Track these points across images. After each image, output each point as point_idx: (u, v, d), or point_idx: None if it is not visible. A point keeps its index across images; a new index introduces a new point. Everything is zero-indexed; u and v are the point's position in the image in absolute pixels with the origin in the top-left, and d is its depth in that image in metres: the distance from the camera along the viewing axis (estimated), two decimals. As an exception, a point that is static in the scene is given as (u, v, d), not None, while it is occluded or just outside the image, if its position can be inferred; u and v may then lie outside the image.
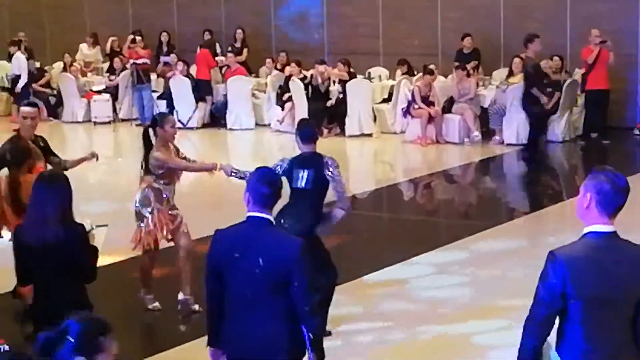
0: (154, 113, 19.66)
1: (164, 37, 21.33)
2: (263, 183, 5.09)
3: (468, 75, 17.33)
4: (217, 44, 21.09)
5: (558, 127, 16.91)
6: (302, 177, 7.52)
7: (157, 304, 8.50)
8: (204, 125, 19.31)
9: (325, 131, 18.04)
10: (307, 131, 7.76)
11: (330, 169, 7.52)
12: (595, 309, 4.29)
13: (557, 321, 4.38)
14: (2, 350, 4.11)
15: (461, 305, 8.62)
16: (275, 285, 4.96)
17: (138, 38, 20.19)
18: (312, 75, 18.41)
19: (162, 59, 20.72)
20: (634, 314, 4.38)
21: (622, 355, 4.38)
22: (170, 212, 8.38)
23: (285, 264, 4.93)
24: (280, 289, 4.96)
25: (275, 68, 19.87)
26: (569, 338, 4.34)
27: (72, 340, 3.76)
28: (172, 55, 20.54)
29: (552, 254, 4.35)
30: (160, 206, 8.31)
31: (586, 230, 4.38)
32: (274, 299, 4.98)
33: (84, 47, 22.35)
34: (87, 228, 5.90)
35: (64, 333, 3.79)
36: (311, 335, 5.03)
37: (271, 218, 5.10)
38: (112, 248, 7.69)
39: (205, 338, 5.29)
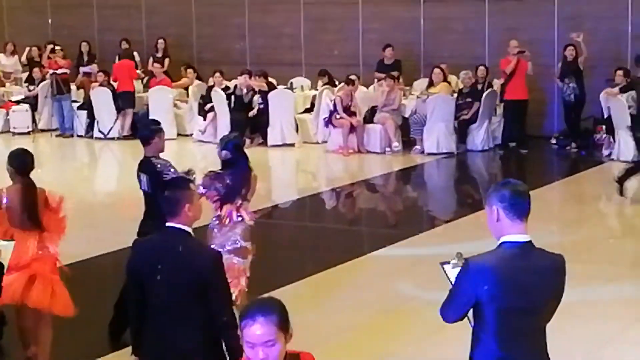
0: (75, 123, 19.55)
1: (84, 47, 21.11)
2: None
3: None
4: (136, 54, 20.95)
5: (477, 137, 17.15)
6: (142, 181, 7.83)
7: None
8: (124, 137, 19.08)
9: (248, 141, 17.99)
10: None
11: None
12: (508, 318, 4.31)
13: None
14: None
15: (380, 312, 8.68)
16: (192, 296, 4.96)
17: (57, 48, 19.95)
18: (235, 85, 18.39)
19: (82, 69, 20.50)
20: (547, 319, 4.45)
21: None
22: None
23: (200, 275, 4.93)
24: (197, 300, 4.95)
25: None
26: (483, 344, 4.37)
27: None
28: (93, 65, 20.35)
29: (466, 262, 4.39)
30: None
31: (501, 240, 4.40)
32: (191, 310, 4.98)
33: (1, 56, 22.03)
34: None
35: None
36: (230, 348, 4.99)
37: (187, 228, 5.10)
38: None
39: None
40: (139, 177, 7.94)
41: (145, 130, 8.09)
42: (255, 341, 3.59)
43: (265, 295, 3.85)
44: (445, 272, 4.59)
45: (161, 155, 8.02)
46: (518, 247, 4.36)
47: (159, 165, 7.79)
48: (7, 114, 20.15)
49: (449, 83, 17.71)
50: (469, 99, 17.13)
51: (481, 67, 17.44)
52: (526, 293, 4.32)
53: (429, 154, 16.85)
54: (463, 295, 4.37)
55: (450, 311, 4.45)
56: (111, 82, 19.40)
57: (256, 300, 3.74)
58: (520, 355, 4.36)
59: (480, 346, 4.40)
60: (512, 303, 4.30)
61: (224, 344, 5.03)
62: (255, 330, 3.59)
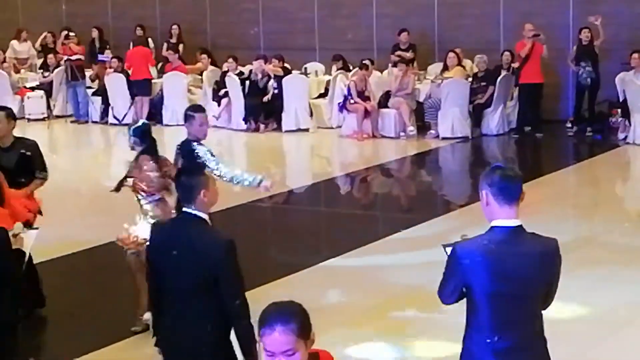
0: (90, 109, 19.58)
1: (95, 33, 21.12)
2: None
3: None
4: (150, 40, 20.93)
5: (492, 121, 17.10)
6: None
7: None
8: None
9: (262, 126, 18.04)
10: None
11: None
12: (497, 303, 4.29)
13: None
14: None
15: (398, 294, 8.67)
16: (202, 283, 4.94)
17: (72, 34, 19.97)
18: (250, 70, 18.38)
19: (99, 57, 20.44)
20: (541, 303, 4.43)
21: (529, 347, 4.40)
22: None
23: (211, 263, 4.90)
24: (208, 288, 4.93)
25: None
26: (475, 328, 4.37)
27: None
28: (107, 50, 20.34)
29: (454, 248, 4.39)
30: None
31: (491, 224, 4.38)
32: (202, 298, 4.96)
33: (14, 43, 22.05)
34: (16, 231, 5.79)
35: None
36: (240, 337, 4.99)
37: (201, 214, 5.06)
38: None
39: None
40: (176, 156, 7.90)
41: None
42: (275, 350, 3.44)
43: (284, 300, 3.60)
44: (446, 254, 4.60)
45: (176, 142, 7.95)
46: (507, 232, 4.32)
47: (195, 149, 7.74)
48: (22, 100, 20.20)
49: (464, 67, 17.65)
50: (483, 83, 17.07)
51: (506, 53, 17.33)
52: (514, 278, 4.28)
53: (443, 138, 16.80)
54: (452, 279, 4.39)
55: (444, 294, 4.49)
56: (125, 68, 19.39)
57: (274, 306, 3.55)
58: (512, 340, 4.33)
59: (470, 331, 4.40)
60: (499, 288, 4.27)
61: (234, 333, 5.01)
62: (274, 340, 3.44)
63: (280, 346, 3.42)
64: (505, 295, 4.28)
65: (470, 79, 17.29)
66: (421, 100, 17.48)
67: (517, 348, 4.34)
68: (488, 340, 4.30)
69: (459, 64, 17.40)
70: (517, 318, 4.34)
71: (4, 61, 20.85)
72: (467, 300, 4.37)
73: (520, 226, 4.36)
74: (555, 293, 4.52)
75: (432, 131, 17.10)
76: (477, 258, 4.28)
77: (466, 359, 4.43)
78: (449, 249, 4.52)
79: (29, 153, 8.03)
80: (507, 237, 4.33)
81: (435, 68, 18.56)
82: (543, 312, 4.49)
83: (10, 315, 5.61)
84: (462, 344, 4.45)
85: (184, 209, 5.08)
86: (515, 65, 17.17)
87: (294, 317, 3.49)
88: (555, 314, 5.06)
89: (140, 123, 8.05)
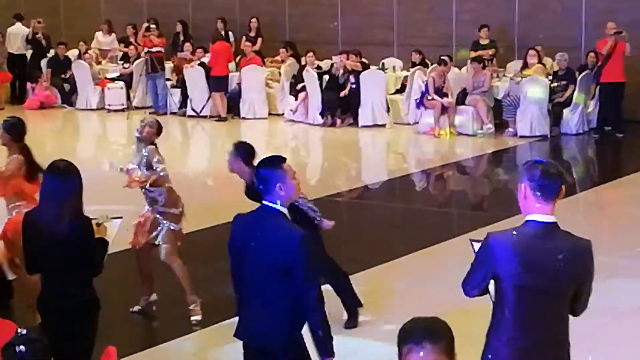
0: (168, 101, 19.78)
1: (179, 27, 21.32)
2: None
3: (483, 67, 17.28)
4: (231, 34, 21.06)
5: (572, 120, 16.86)
6: None
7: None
8: (219, 118, 19.08)
9: (339, 121, 18.04)
10: None
11: None
12: (525, 297, 4.31)
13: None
14: (19, 334, 4.10)
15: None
16: (277, 275, 4.94)
17: (153, 26, 20.18)
18: (332, 64, 18.41)
19: (179, 54, 20.59)
20: (568, 305, 4.40)
21: (549, 346, 4.38)
22: None
23: (285, 255, 4.90)
24: (282, 280, 4.93)
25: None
26: (498, 322, 4.38)
27: None
28: (187, 44, 20.47)
29: (487, 237, 4.42)
30: None
31: (526, 218, 4.41)
32: (276, 289, 4.97)
33: (99, 34, 22.38)
34: (100, 220, 5.86)
35: None
36: (313, 331, 4.99)
37: (278, 206, 5.04)
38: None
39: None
40: None
41: None
42: None
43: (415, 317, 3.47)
44: (473, 249, 4.58)
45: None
46: (540, 227, 4.36)
47: None
48: (103, 91, 20.50)
49: (544, 65, 17.42)
50: (563, 82, 16.85)
51: (591, 54, 17.06)
52: (542, 273, 4.31)
53: (521, 136, 16.62)
54: (481, 269, 4.42)
55: (470, 285, 4.50)
56: (205, 62, 19.49)
57: (422, 321, 3.41)
58: (533, 339, 4.33)
59: (495, 324, 4.41)
60: (527, 280, 4.29)
61: (308, 326, 5.02)
62: (421, 358, 3.30)
63: None
64: (531, 288, 4.30)
65: (550, 77, 17.07)
66: (499, 97, 17.31)
67: (537, 347, 4.34)
68: (510, 336, 4.33)
69: (540, 61, 17.18)
70: (541, 316, 4.33)
71: (86, 52, 21.18)
72: (495, 293, 4.40)
73: (555, 223, 4.39)
74: (587, 299, 4.48)
75: (510, 129, 16.92)
76: (508, 248, 4.33)
77: (488, 353, 4.45)
78: (477, 245, 4.54)
79: None
80: (540, 231, 4.36)
81: (514, 65, 18.35)
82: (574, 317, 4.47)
83: (95, 302, 5.68)
84: (486, 338, 4.47)
85: (263, 201, 5.09)
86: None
87: (443, 334, 3.39)
88: None
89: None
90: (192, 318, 7.95)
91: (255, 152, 7.19)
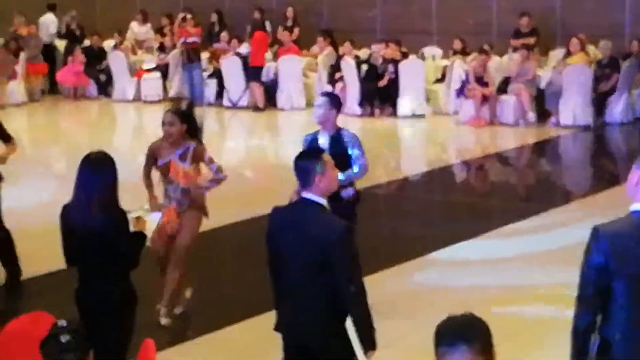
0: (205, 91, 19.66)
1: (215, 17, 21.17)
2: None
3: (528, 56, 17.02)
4: (267, 23, 20.87)
5: (616, 109, 16.56)
6: None
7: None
8: (257, 108, 18.91)
9: (377, 111, 17.85)
10: None
11: None
12: (634, 288, 4.18)
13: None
14: (59, 325, 4.06)
15: (519, 288, 8.40)
16: (316, 268, 4.90)
17: (188, 16, 20.05)
18: (370, 54, 18.21)
19: (215, 45, 20.46)
20: None
21: None
22: None
23: (324, 248, 4.84)
24: (321, 272, 4.88)
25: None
26: (611, 317, 4.24)
27: None
28: (223, 34, 20.33)
29: (595, 230, 4.27)
30: None
31: (632, 207, 4.26)
32: (316, 282, 4.93)
33: (134, 25, 22.28)
34: (139, 214, 5.76)
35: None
36: (355, 322, 4.93)
37: (317, 199, 4.99)
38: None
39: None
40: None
41: None
42: None
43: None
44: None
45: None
46: None
47: (344, 136, 7.94)
48: (139, 81, 20.40)
49: (587, 53, 17.09)
50: (607, 70, 16.55)
51: (634, 42, 16.72)
52: None
53: (564, 126, 16.33)
54: (593, 264, 4.20)
55: (587, 285, 4.23)
56: (240, 52, 19.33)
57: (458, 321, 3.27)
58: None
59: (606, 320, 4.26)
60: (638, 270, 4.15)
61: (349, 318, 4.96)
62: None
63: None
64: None
65: (593, 66, 16.74)
66: (542, 87, 17.01)
67: None
68: (621, 332, 4.20)
69: (583, 49, 16.86)
70: None
71: (122, 42, 21.09)
72: (608, 287, 4.22)
73: None
74: None
75: (553, 119, 16.64)
76: (620, 240, 4.20)
77: (600, 349, 4.30)
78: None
79: None
80: None
81: (557, 54, 18.03)
82: None
83: (132, 296, 5.64)
84: (598, 332, 4.31)
85: (302, 194, 5.05)
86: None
87: (479, 335, 3.24)
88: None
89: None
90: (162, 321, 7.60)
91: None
